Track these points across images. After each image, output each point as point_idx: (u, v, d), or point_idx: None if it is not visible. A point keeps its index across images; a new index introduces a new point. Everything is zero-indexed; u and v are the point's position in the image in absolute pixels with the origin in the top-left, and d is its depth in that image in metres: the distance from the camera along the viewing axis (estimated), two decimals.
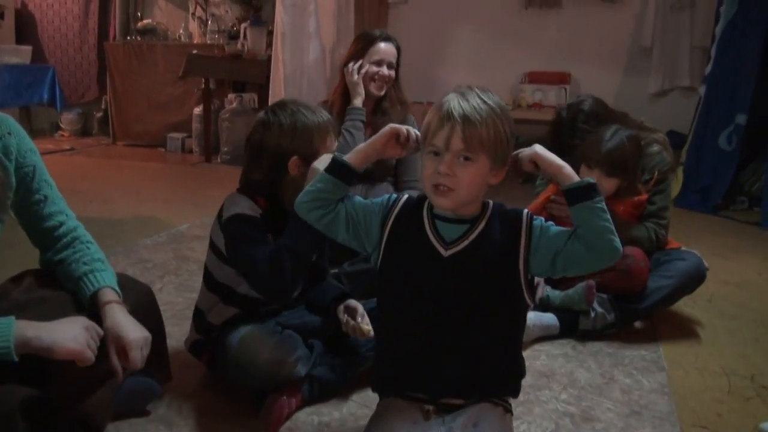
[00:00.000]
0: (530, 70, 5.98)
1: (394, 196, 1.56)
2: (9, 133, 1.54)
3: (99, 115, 7.03)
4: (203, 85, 5.92)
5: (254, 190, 1.85)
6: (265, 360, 1.71)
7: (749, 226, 4.30)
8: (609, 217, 1.44)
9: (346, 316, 1.85)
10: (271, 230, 1.79)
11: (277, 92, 5.03)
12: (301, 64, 5.15)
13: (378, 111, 3.01)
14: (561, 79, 5.85)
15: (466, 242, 1.47)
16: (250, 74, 5.69)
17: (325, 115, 1.85)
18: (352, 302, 1.90)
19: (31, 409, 1.40)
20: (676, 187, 4.80)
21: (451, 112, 1.40)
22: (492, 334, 1.50)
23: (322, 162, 1.67)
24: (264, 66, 5.42)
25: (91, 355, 1.42)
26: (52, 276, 1.64)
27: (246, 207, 1.79)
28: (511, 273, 1.47)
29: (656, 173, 2.58)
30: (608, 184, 2.40)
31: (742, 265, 3.44)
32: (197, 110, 6.13)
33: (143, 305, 1.73)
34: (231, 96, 6.13)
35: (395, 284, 1.53)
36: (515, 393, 1.57)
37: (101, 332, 1.49)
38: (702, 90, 4.84)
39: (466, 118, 1.39)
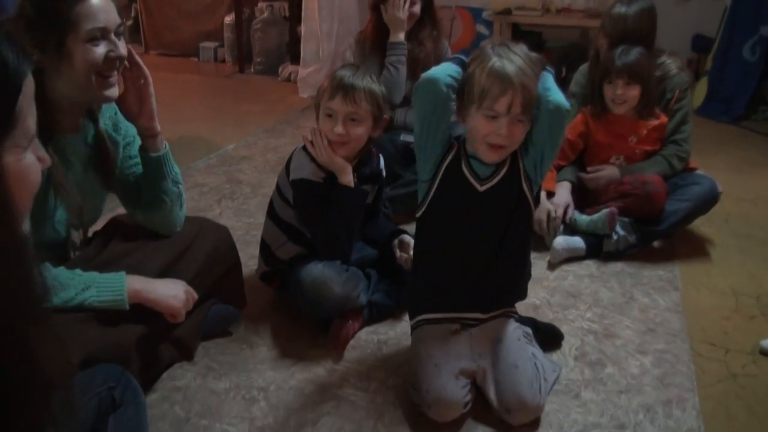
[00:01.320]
0: None
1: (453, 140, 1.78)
2: (116, 113, 1.78)
3: (129, 23, 7.11)
4: None
5: None
6: (335, 296, 1.99)
7: None
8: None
9: (398, 250, 2.12)
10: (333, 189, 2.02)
11: (310, 2, 5.07)
12: None
13: (414, 39, 3.15)
14: None
15: (497, 179, 1.75)
16: None
17: (363, 82, 1.97)
18: (406, 237, 2.17)
19: (141, 341, 1.69)
20: (700, 95, 4.92)
21: (512, 78, 1.59)
22: (513, 252, 1.82)
23: None
24: None
25: (183, 315, 1.73)
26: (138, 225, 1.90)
27: (309, 172, 2.00)
28: (521, 189, 1.77)
29: (677, 92, 2.79)
30: (632, 91, 2.65)
31: (760, 180, 3.60)
32: (228, 19, 6.17)
33: (223, 245, 2.01)
34: (262, 5, 6.17)
35: (436, 218, 1.80)
36: (525, 295, 1.95)
37: (196, 296, 1.78)
38: (728, 1, 4.86)
39: (523, 86, 1.60)
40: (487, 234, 1.79)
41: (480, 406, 1.77)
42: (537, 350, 1.87)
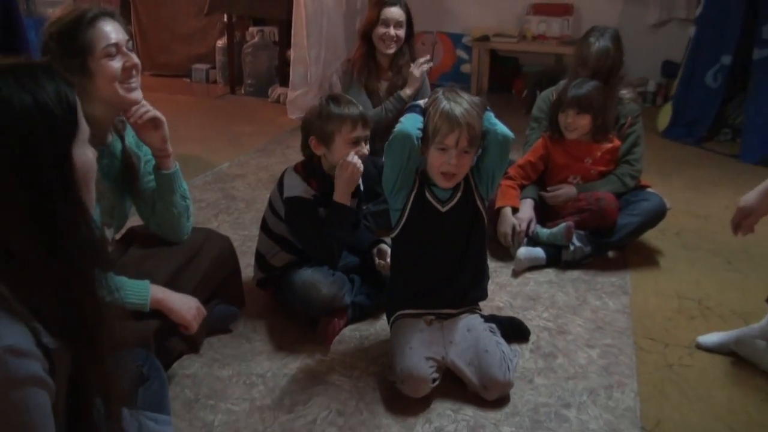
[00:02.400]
0: (535, 2, 6.20)
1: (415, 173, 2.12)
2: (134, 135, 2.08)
3: None
4: (225, 19, 6.22)
5: (308, 170, 2.37)
6: (323, 296, 2.30)
7: (729, 159, 4.66)
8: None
9: (377, 258, 2.44)
10: (323, 205, 2.33)
11: (299, 30, 5.35)
12: (321, 4, 5.47)
13: (394, 67, 3.47)
14: (565, 10, 6.10)
15: (455, 200, 2.12)
16: (272, 11, 5.95)
17: (351, 111, 2.30)
18: (383, 246, 2.50)
19: (157, 333, 1.98)
20: (665, 118, 5.24)
21: (458, 119, 1.97)
22: (473, 257, 2.18)
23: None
24: (284, 3, 5.69)
25: (195, 328, 2.01)
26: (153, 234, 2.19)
27: (301, 190, 2.32)
28: (476, 206, 2.14)
29: (629, 119, 3.13)
30: (582, 120, 2.98)
31: (715, 198, 3.88)
32: (220, 43, 6.45)
33: (226, 252, 2.31)
34: (252, 29, 6.45)
35: (408, 236, 2.15)
36: (486, 295, 2.30)
37: (205, 313, 2.06)
38: (692, 31, 5.17)
39: (468, 124, 1.98)
40: (451, 246, 2.14)
41: (446, 386, 2.08)
42: (500, 339, 2.18)
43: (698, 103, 5.13)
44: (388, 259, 2.39)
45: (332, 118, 2.29)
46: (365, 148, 2.33)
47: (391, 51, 3.40)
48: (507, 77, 6.49)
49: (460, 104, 1.99)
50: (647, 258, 3.11)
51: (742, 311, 2.65)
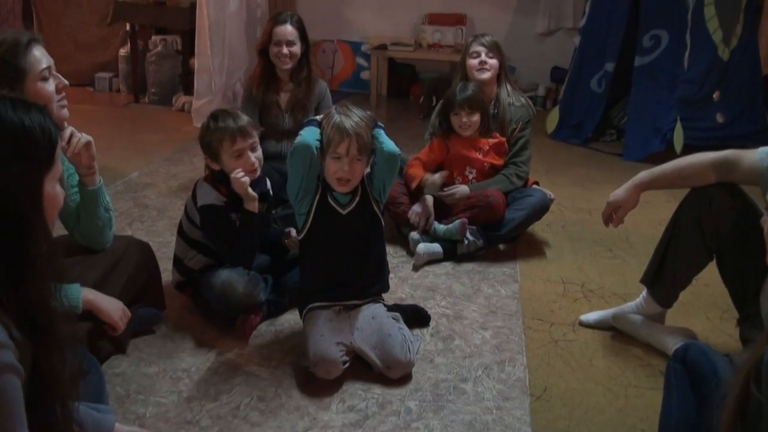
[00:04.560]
0: (430, 12, 6.49)
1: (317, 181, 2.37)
2: None
3: None
4: (128, 28, 6.22)
5: (216, 179, 2.55)
6: (240, 294, 2.49)
7: (613, 158, 5.04)
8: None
9: (286, 240, 2.71)
10: (235, 210, 2.52)
11: (202, 39, 5.40)
12: (223, 14, 5.57)
13: (294, 80, 3.62)
14: (458, 20, 6.40)
15: (354, 204, 2.38)
16: (175, 21, 6.00)
17: (229, 125, 2.46)
18: (290, 229, 2.73)
19: (89, 333, 2.13)
20: (553, 121, 5.58)
21: (348, 130, 2.24)
22: (374, 254, 2.45)
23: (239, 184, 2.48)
24: (187, 13, 5.75)
25: (122, 328, 2.17)
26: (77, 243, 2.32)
27: (213, 198, 2.50)
28: (373, 210, 2.40)
29: (520, 124, 3.42)
30: (474, 118, 3.28)
31: (598, 194, 4.11)
32: (122, 51, 6.43)
33: (146, 257, 2.46)
34: (155, 38, 6.42)
35: (314, 237, 2.39)
36: (387, 287, 2.55)
37: (130, 314, 2.22)
38: (577, 41, 5.51)
39: (357, 134, 2.24)
40: (353, 244, 2.40)
41: (356, 368, 2.31)
42: (402, 325, 2.43)
43: (584, 107, 5.48)
44: (294, 234, 2.65)
45: (213, 136, 2.49)
46: (252, 157, 2.49)
47: (287, 67, 3.57)
48: (405, 84, 6.73)
49: (350, 117, 2.26)
50: (535, 249, 3.42)
51: (621, 292, 2.96)
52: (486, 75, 3.39)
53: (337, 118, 2.27)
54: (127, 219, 3.59)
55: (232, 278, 2.49)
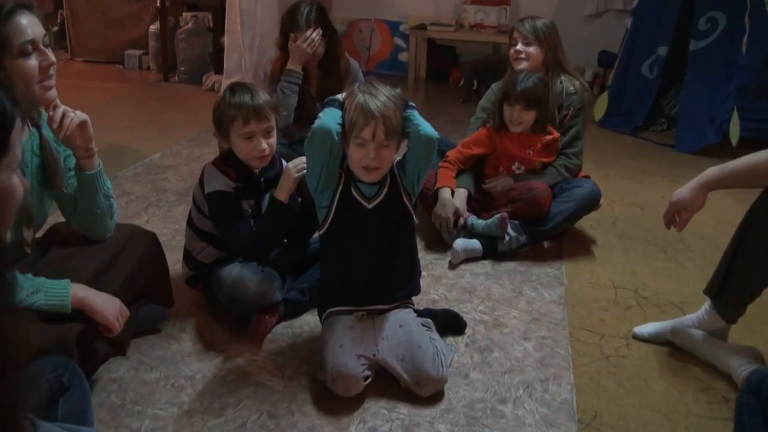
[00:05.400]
0: None
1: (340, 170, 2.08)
2: None
3: (55, 29, 7.14)
4: (159, 3, 6.05)
5: (225, 160, 2.30)
6: (253, 293, 2.23)
7: (664, 149, 4.71)
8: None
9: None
10: (247, 196, 2.27)
11: (233, 16, 5.23)
12: None
13: (324, 70, 3.29)
14: (502, 0, 6.10)
15: (381, 196, 2.09)
16: None
17: (244, 102, 2.18)
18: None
19: (81, 337, 1.89)
20: (601, 108, 5.27)
21: (373, 111, 1.94)
22: (403, 253, 2.15)
23: (294, 164, 2.24)
24: None
25: (117, 329, 1.91)
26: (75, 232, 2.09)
27: (221, 183, 2.24)
28: (403, 202, 2.11)
29: (572, 110, 3.11)
30: (527, 116, 2.96)
31: (650, 188, 3.92)
32: (153, 28, 6.27)
33: (152, 249, 2.21)
34: (186, 15, 6.27)
35: (337, 234, 2.11)
36: (418, 290, 2.27)
37: (128, 313, 1.96)
38: (629, 23, 5.21)
39: (384, 116, 1.94)
40: (380, 242, 2.11)
41: (380, 383, 2.04)
42: (434, 335, 2.15)
43: (634, 94, 5.18)
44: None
45: (226, 111, 2.23)
46: (263, 143, 2.22)
47: (312, 65, 3.27)
48: (444, 66, 6.45)
49: (376, 97, 1.97)
50: (583, 248, 3.12)
51: (678, 301, 2.67)
52: (522, 65, 3.11)
53: (360, 97, 1.97)
54: (143, 203, 3.37)
55: (243, 275, 2.24)
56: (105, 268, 2.02)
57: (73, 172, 2.02)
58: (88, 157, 1.97)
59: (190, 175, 3.76)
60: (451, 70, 6.41)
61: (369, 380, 2.01)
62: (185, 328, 2.33)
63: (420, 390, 2.00)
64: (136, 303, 2.17)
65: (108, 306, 1.90)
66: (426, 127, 2.01)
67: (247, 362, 2.17)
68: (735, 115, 4.51)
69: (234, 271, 2.26)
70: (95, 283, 1.95)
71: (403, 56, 6.55)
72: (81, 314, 1.87)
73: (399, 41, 6.58)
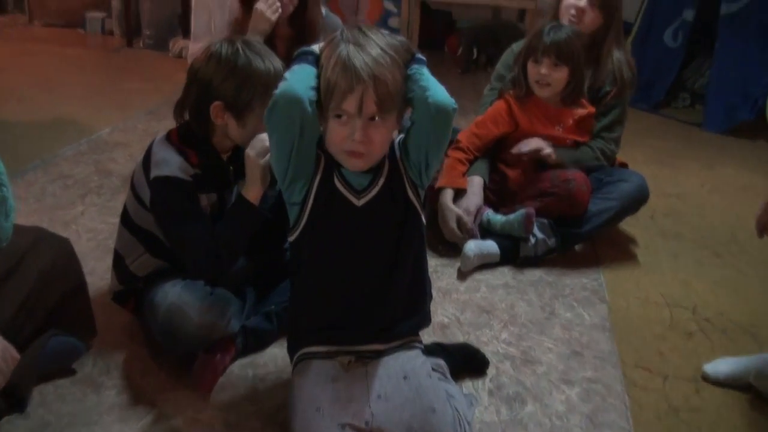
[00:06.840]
0: None
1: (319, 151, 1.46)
2: None
3: None
4: None
5: (185, 138, 1.69)
6: (195, 326, 1.62)
7: (691, 128, 4.25)
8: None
9: None
10: (207, 189, 1.68)
11: None
12: None
13: (293, 25, 2.57)
14: None
15: (375, 189, 1.46)
16: None
17: (275, 66, 1.64)
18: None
19: None
20: None
21: (359, 71, 1.31)
22: (407, 270, 1.52)
23: (255, 147, 1.61)
24: None
25: (1, 382, 1.37)
26: None
27: (176, 167, 1.63)
28: (407, 197, 1.49)
29: (615, 88, 2.54)
30: (558, 74, 2.38)
31: (684, 174, 3.43)
32: None
33: (62, 260, 1.64)
34: None
35: (313, 242, 1.49)
36: (428, 320, 1.62)
37: (17, 357, 1.40)
38: None
39: (376, 79, 1.32)
40: (375, 253, 1.48)
41: None
42: (451, 386, 1.57)
43: (655, 65, 4.69)
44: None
45: (252, 80, 1.61)
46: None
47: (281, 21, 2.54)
48: (439, 33, 5.97)
49: (364, 49, 1.33)
50: (622, 251, 2.55)
51: (747, 323, 2.14)
52: (577, 24, 2.48)
53: (342, 49, 1.34)
54: (81, 189, 2.76)
55: (183, 300, 1.63)
56: None
57: None
58: None
59: (141, 154, 3.11)
60: (447, 38, 5.93)
61: None
62: (108, 369, 1.72)
63: None
64: (42, 336, 1.59)
65: None
66: (437, 92, 1.37)
67: (188, 423, 1.55)
68: None
69: (172, 293, 1.64)
70: None
71: (393, 22, 6.03)
72: None
73: (389, 5, 6.08)
